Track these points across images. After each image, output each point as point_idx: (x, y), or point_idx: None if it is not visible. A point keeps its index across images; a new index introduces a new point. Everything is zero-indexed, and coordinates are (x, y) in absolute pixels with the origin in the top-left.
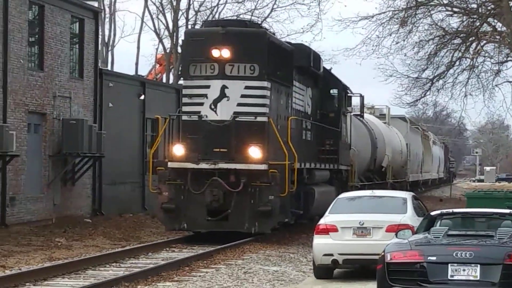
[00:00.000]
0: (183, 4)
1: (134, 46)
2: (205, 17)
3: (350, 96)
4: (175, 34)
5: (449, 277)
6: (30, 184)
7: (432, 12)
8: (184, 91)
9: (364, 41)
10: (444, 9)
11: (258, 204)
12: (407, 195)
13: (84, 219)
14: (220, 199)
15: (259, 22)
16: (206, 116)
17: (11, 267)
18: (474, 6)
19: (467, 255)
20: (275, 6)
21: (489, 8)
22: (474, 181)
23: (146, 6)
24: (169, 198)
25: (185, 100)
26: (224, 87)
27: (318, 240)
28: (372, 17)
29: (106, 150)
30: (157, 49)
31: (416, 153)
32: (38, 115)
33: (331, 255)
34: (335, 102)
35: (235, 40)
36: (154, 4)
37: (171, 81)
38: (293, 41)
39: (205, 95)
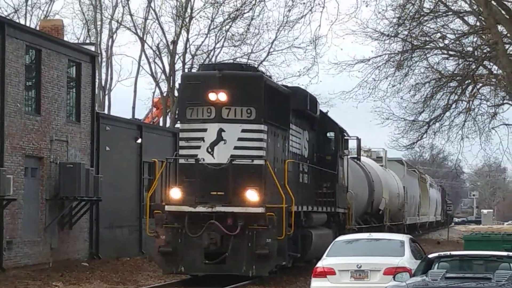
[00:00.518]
0: (180, 48)
1: (131, 89)
2: (202, 61)
3: (347, 139)
4: (171, 77)
5: None
6: (27, 228)
7: (428, 55)
8: (181, 135)
9: (361, 84)
10: (440, 52)
11: (256, 247)
12: (404, 237)
13: (82, 263)
14: (217, 242)
15: (256, 66)
16: (203, 160)
17: None
18: (470, 49)
19: None
20: (271, 50)
21: (484, 51)
22: (457, 222)
23: (143, 50)
24: (166, 242)
25: (182, 143)
26: (221, 131)
27: (316, 283)
28: (368, 60)
29: (103, 193)
30: (153, 92)
31: (413, 196)
32: (35, 159)
33: None
34: (332, 145)
35: (231, 84)
36: (151, 48)
37: (168, 124)
38: (289, 84)
39: (202, 139)
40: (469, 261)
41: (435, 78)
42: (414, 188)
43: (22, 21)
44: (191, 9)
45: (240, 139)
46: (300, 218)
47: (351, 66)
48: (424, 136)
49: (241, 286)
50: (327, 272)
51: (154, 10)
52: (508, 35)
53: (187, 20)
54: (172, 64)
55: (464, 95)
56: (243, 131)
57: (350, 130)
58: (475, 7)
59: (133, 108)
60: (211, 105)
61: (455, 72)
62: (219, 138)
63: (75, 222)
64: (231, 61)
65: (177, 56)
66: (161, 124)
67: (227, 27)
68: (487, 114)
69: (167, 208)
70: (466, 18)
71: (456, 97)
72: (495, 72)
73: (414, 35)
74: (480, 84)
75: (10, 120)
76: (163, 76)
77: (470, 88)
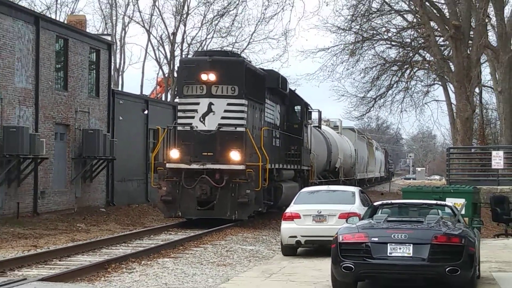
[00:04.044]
0: (178, 39)
1: (140, 71)
2: (196, 48)
3: (310, 111)
4: (172, 62)
5: (388, 254)
6: (56, 180)
7: (375, 45)
8: (179, 107)
9: (321, 68)
10: (385, 43)
11: (238, 196)
12: (355, 189)
13: (100, 209)
14: (207, 193)
15: (239, 53)
16: (197, 127)
17: (41, 246)
18: (408, 40)
19: (402, 236)
20: (251, 40)
21: (420, 42)
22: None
23: (149, 40)
24: (167, 192)
25: (179, 114)
26: (210, 104)
27: (285, 225)
28: (328, 49)
29: (117, 154)
30: (157, 74)
31: (363, 157)
32: (63, 126)
33: (295, 237)
34: (298, 116)
35: (219, 67)
36: (155, 38)
37: (169, 99)
38: (265, 68)
39: (195, 110)
40: (406, 208)
41: (380, 63)
42: (363, 150)
43: (53, 16)
44: (188, 7)
45: (226, 111)
46: (273, 173)
47: (314, 54)
48: (371, 109)
49: (226, 227)
50: (294, 216)
51: (158, 8)
52: (439, 29)
53: (184, 16)
54: (172, 51)
55: (403, 77)
56: (228, 104)
57: (313, 104)
58: (412, 6)
59: (141, 86)
60: (203, 83)
61: (396, 58)
62: (209, 110)
63: (95, 176)
64: (219, 49)
65: (176, 45)
66: (163, 99)
67: (216, 22)
68: (421, 92)
69: (167, 165)
70: (405, 15)
71: (397, 78)
72: (428, 58)
73: (364, 29)
74: (416, 68)
75: (43, 95)
76: (165, 61)
77: (408, 71)
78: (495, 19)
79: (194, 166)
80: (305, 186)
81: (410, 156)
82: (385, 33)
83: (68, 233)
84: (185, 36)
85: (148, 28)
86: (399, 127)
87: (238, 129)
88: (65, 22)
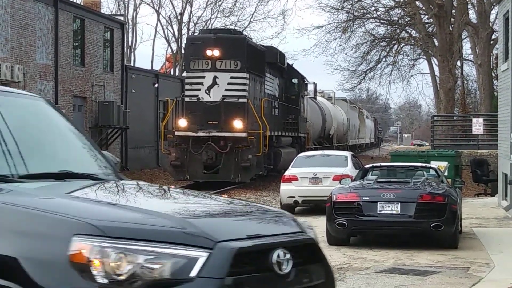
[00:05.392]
0: (185, 18)
1: (150, 48)
2: (201, 27)
3: (306, 84)
4: (179, 39)
5: (378, 212)
6: None
7: (365, 23)
8: (186, 80)
9: (316, 44)
10: (374, 21)
11: (240, 161)
12: (347, 154)
13: None
14: (213, 158)
15: (241, 31)
16: (203, 98)
17: None
18: (396, 18)
19: (391, 195)
20: (252, 19)
21: (406, 20)
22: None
23: (158, 19)
24: (176, 157)
25: (187, 87)
26: (215, 77)
27: (284, 187)
28: (322, 27)
29: (130, 123)
30: (166, 50)
31: (354, 125)
32: (81, 98)
33: (293, 197)
34: (295, 88)
35: (223, 43)
36: (164, 18)
37: (177, 73)
38: (265, 44)
39: (201, 83)
40: (394, 170)
41: (370, 39)
42: (355, 119)
43: None
44: None
45: (229, 84)
46: (272, 140)
47: (310, 31)
48: (362, 81)
49: (230, 189)
50: (292, 179)
51: None
52: (423, 8)
53: None
54: (179, 30)
55: (391, 52)
56: (231, 77)
57: (309, 77)
58: None
59: (152, 62)
60: (208, 59)
61: (384, 35)
62: (214, 83)
63: (110, 143)
64: (223, 27)
65: (183, 24)
66: (172, 73)
67: (220, 2)
68: (408, 66)
69: (176, 133)
70: None
71: (385, 53)
72: (413, 35)
73: (355, 8)
74: (403, 44)
75: (62, 70)
76: (173, 39)
77: (395, 47)
78: None
79: (200, 133)
80: (302, 151)
81: (397, 124)
82: (375, 12)
83: None
84: (191, 16)
85: (157, 9)
86: (387, 98)
87: (241, 100)
88: (82, 4)
